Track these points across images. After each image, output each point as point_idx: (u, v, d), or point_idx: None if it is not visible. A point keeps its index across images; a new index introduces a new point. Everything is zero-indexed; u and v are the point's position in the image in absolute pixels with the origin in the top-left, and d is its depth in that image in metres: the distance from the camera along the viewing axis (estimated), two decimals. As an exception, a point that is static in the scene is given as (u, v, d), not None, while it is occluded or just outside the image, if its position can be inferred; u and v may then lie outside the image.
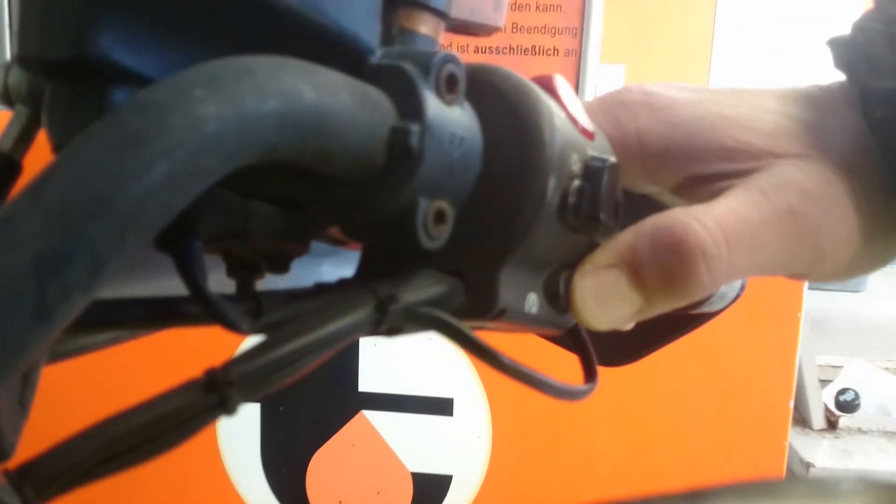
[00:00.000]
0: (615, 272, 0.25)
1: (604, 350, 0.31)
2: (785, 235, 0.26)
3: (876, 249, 0.28)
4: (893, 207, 0.27)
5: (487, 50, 2.32)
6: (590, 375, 0.29)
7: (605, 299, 0.25)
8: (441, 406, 1.29)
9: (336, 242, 0.31)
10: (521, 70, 0.25)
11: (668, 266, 0.25)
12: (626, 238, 0.26)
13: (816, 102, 0.28)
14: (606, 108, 0.29)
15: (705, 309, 0.40)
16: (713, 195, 0.27)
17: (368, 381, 1.29)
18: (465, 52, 2.28)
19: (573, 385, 0.28)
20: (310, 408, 1.30)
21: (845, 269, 0.28)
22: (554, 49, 2.35)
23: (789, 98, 0.28)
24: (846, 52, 0.26)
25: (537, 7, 2.33)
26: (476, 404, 1.28)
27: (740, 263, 0.25)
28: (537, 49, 2.35)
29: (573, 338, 0.29)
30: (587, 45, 2.33)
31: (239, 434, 1.30)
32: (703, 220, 0.25)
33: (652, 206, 0.30)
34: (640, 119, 0.28)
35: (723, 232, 0.25)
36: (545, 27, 2.33)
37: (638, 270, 0.25)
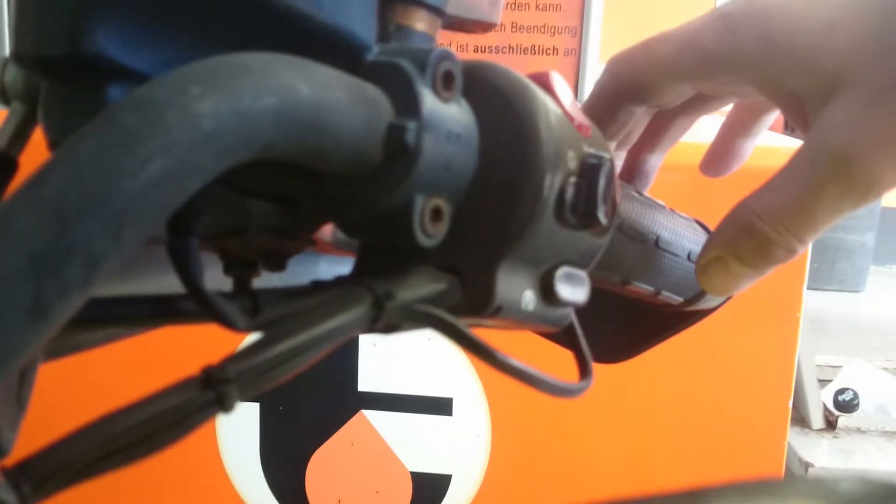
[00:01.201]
0: (724, 260, 0.31)
1: (599, 347, 0.31)
2: (838, 195, 0.28)
3: None
4: None
5: (487, 49, 2.32)
6: (585, 372, 0.29)
7: (725, 278, 0.32)
8: (440, 406, 1.29)
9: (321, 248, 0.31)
10: (521, 69, 0.25)
11: (755, 249, 0.30)
12: (722, 234, 0.32)
13: None
14: (709, 21, 0.31)
15: (700, 306, 0.40)
16: (800, 111, 0.30)
17: (368, 381, 1.29)
18: (465, 51, 2.27)
19: (569, 382, 0.28)
20: (309, 407, 1.30)
21: (890, 190, 0.29)
22: (553, 48, 2.35)
23: None
24: None
25: (537, 6, 2.32)
26: (475, 404, 1.28)
27: (807, 232, 0.30)
28: (537, 48, 2.34)
29: (568, 335, 0.29)
30: (587, 45, 2.32)
31: (238, 433, 1.30)
32: (762, 214, 0.30)
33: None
34: (739, 33, 0.30)
35: (780, 220, 0.29)
36: (544, 26, 2.33)
37: (738, 255, 0.31)
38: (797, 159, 0.29)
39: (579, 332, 0.29)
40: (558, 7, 2.32)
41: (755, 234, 0.30)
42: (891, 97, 0.26)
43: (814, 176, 0.28)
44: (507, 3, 2.31)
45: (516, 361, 0.25)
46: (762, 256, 0.31)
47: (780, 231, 0.29)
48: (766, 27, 0.29)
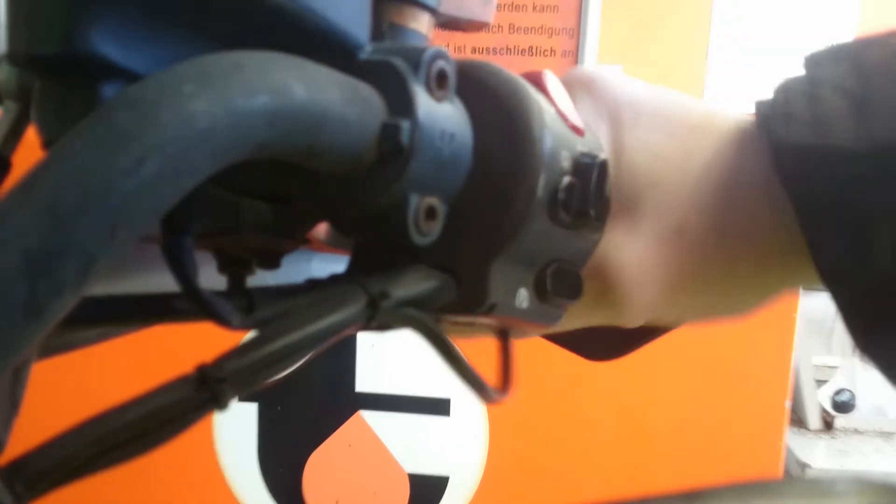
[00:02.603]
0: None
1: (591, 345, 0.31)
2: (579, 317, 0.29)
3: (688, 310, 0.30)
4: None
5: (484, 50, 2.32)
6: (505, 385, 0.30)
7: None
8: (438, 406, 1.29)
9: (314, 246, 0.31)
10: (518, 71, 0.25)
11: None
12: None
13: (725, 156, 0.29)
14: None
15: None
16: None
17: (365, 382, 1.29)
18: (462, 52, 2.27)
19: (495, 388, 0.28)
20: (307, 408, 1.30)
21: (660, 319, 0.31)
22: (551, 50, 2.35)
23: (703, 143, 0.29)
24: (767, 109, 0.27)
25: (534, 7, 2.33)
26: (473, 405, 1.28)
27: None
28: (534, 50, 2.34)
29: (501, 339, 0.29)
30: (584, 46, 2.32)
31: (235, 434, 1.30)
32: None
33: None
34: None
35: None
36: (542, 28, 2.33)
37: None
38: None
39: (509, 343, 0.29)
40: (556, 8, 2.32)
41: None
42: (666, 244, 0.28)
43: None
44: (505, 5, 2.31)
45: (476, 373, 0.25)
46: None
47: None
48: None
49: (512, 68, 0.25)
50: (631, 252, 0.28)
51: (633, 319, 0.29)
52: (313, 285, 0.24)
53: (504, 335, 0.29)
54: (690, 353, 1.24)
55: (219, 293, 0.23)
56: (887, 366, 0.27)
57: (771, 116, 0.26)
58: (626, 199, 0.28)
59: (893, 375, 0.27)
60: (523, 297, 0.26)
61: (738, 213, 0.28)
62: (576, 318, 0.29)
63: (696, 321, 0.31)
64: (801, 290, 1.24)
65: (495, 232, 0.24)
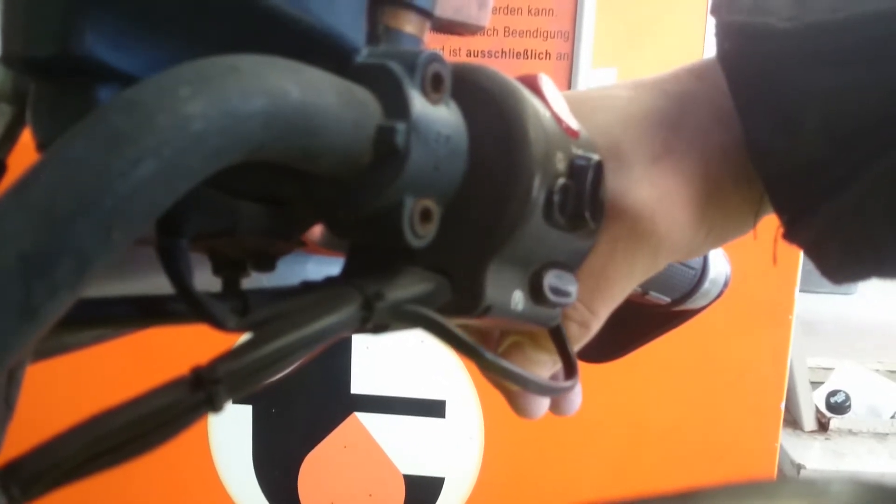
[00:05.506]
0: (521, 344, 0.30)
1: (586, 347, 0.31)
2: (629, 254, 0.29)
3: (713, 228, 0.30)
4: (738, 180, 0.29)
5: (479, 53, 2.32)
6: (570, 372, 0.29)
7: (523, 365, 0.30)
8: (433, 408, 1.29)
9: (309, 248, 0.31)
10: (513, 74, 0.25)
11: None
12: None
13: (677, 83, 0.30)
14: None
15: (687, 306, 0.40)
16: None
17: (361, 384, 1.29)
18: (458, 55, 2.27)
19: (554, 382, 0.28)
20: (302, 410, 1.30)
21: (683, 253, 0.30)
22: (546, 53, 2.35)
23: (649, 86, 0.31)
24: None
25: (529, 11, 2.33)
26: (468, 406, 1.28)
27: (599, 301, 0.29)
28: (529, 53, 2.35)
29: (555, 335, 0.29)
30: (579, 49, 2.32)
31: (231, 436, 1.30)
32: None
33: None
34: None
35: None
36: (537, 31, 2.33)
37: (534, 337, 0.30)
38: None
39: (564, 332, 0.29)
40: (551, 12, 2.33)
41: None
42: (660, 165, 0.28)
43: (604, 237, 0.29)
44: (500, 8, 2.31)
45: (503, 360, 0.25)
46: None
47: (580, 309, 0.29)
48: None
49: (507, 71, 0.25)
50: (637, 179, 0.28)
51: (674, 238, 0.29)
52: (308, 287, 0.24)
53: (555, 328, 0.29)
54: (686, 355, 1.24)
55: (214, 295, 0.23)
56: (810, 245, 0.28)
57: (718, 3, 0.27)
58: (606, 149, 0.29)
59: (816, 255, 0.28)
60: (518, 299, 0.26)
61: (699, 123, 0.29)
62: (620, 280, 0.29)
63: (717, 242, 0.31)
64: (796, 292, 1.23)
65: (491, 234, 0.24)
